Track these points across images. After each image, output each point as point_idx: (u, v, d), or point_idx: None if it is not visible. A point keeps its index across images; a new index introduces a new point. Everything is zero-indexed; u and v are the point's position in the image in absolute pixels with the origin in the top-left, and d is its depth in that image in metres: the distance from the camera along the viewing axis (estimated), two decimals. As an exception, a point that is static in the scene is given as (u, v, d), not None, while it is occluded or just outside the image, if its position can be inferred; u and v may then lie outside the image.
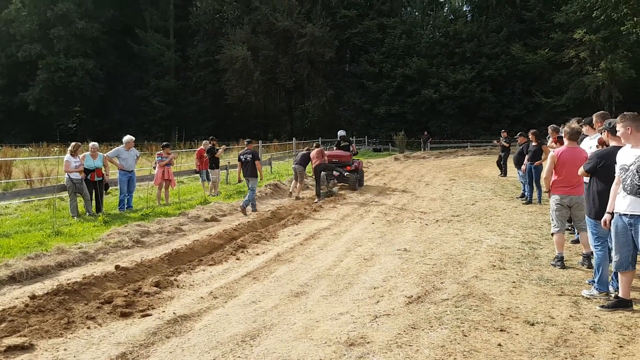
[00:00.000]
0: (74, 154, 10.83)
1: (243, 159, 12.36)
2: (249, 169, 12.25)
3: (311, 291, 5.88)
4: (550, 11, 43.62)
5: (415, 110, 47.10)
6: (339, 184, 15.85)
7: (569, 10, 40.31)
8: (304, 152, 15.33)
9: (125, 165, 12.04)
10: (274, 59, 48.73)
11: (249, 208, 12.11)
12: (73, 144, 11.16)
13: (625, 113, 4.89)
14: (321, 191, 14.47)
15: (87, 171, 10.94)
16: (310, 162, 14.73)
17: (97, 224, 9.93)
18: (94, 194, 11.18)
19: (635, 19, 35.17)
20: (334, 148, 17.30)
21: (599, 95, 38.95)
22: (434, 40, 48.92)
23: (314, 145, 15.21)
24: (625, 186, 4.77)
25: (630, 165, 4.74)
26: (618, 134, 4.94)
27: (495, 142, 21.09)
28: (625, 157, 4.86)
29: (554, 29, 42.54)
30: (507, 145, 19.75)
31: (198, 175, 15.74)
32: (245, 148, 12.80)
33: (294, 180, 15.19)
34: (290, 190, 15.19)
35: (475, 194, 14.42)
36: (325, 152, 15.19)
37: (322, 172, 14.55)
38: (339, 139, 17.72)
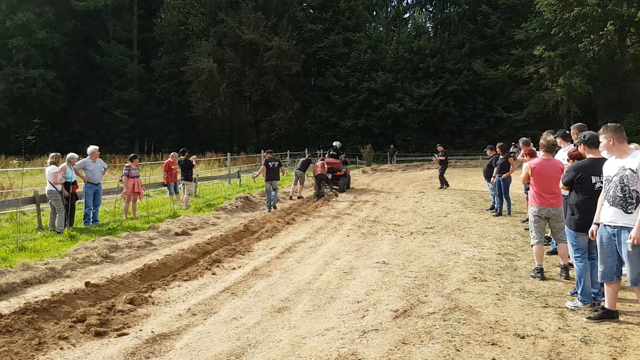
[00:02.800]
0: (57, 165, 10.43)
1: (271, 165, 14.57)
2: (275, 173, 14.53)
3: (293, 306, 5.72)
4: (510, 28, 44.93)
5: (381, 123, 47.63)
6: (332, 187, 18.60)
7: (528, 28, 41.59)
8: (303, 159, 18.97)
9: (92, 177, 11.63)
10: (240, 72, 48.50)
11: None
12: (54, 154, 10.70)
13: (607, 125, 4.94)
14: (319, 193, 17.21)
15: (67, 184, 10.55)
16: (311, 168, 18.17)
17: (62, 239, 9.53)
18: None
19: (592, 36, 36.47)
20: (326, 156, 20.53)
21: (557, 110, 40.12)
22: (399, 55, 49.61)
23: (330, 153, 20.36)
24: (609, 197, 4.81)
25: (613, 177, 4.78)
26: (601, 145, 4.99)
27: (434, 158, 21.68)
28: (609, 168, 4.91)
29: (514, 46, 43.80)
30: (443, 158, 20.13)
31: (165, 188, 15.37)
32: (270, 156, 15.02)
33: (293, 185, 18.06)
34: (291, 193, 17.77)
35: (445, 206, 14.52)
36: (327, 162, 18.45)
37: (322, 180, 17.38)
38: (331, 150, 21.25)
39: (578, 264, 5.46)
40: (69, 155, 11.15)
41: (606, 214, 4.84)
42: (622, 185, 4.68)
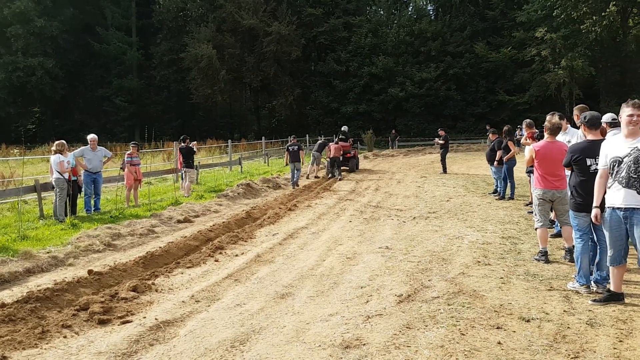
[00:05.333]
0: (62, 153, 10.36)
1: (291, 149, 16.66)
2: (295, 155, 16.50)
3: (297, 292, 5.70)
4: (512, 10, 44.47)
5: (382, 108, 47.37)
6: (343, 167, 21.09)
7: (530, 9, 41.17)
8: (320, 141, 21.12)
9: (90, 165, 11.53)
10: (240, 58, 48.22)
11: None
12: (59, 142, 10.57)
13: (635, 100, 4.71)
14: (332, 172, 19.51)
15: None
16: (326, 150, 20.11)
17: (64, 227, 9.51)
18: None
19: (594, 17, 36.12)
20: (336, 140, 22.22)
21: (560, 92, 39.84)
22: (400, 39, 49.23)
23: (336, 139, 21.92)
24: (620, 179, 4.67)
25: (624, 157, 4.63)
26: (632, 119, 4.65)
27: (436, 141, 21.61)
28: (616, 148, 4.75)
29: (516, 28, 43.37)
30: (442, 142, 20.22)
31: (165, 176, 15.35)
32: (292, 142, 17.42)
33: (310, 165, 20.22)
34: (308, 173, 19.77)
35: (447, 190, 14.47)
36: (341, 146, 20.26)
37: (335, 162, 19.48)
38: (340, 134, 22.64)
39: (577, 245, 5.43)
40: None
41: (617, 196, 4.70)
42: (637, 165, 4.57)
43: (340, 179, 18.89)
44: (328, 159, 19.86)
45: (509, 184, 12.57)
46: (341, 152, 20.06)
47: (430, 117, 47.06)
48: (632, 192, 4.59)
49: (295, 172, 16.53)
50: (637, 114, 4.64)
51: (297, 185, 16.51)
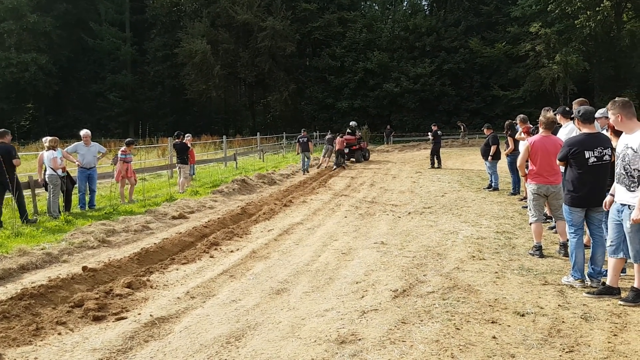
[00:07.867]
0: (54, 149, 10.29)
1: (301, 140, 19.51)
2: (305, 146, 19.29)
3: (292, 288, 5.69)
4: (506, 5, 44.57)
5: (377, 104, 47.41)
6: (350, 159, 24.17)
7: (524, 4, 41.25)
8: (329, 136, 23.33)
9: (83, 161, 11.43)
10: (235, 53, 48.08)
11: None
12: (52, 138, 10.50)
13: (615, 99, 4.77)
14: (338, 162, 21.85)
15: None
16: (333, 144, 22.22)
17: (59, 224, 9.47)
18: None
19: (588, 12, 36.21)
20: (340, 134, 24.06)
21: (554, 87, 39.97)
22: (394, 34, 49.22)
23: (347, 132, 24.88)
24: (616, 174, 4.75)
25: (619, 154, 4.68)
26: (610, 121, 4.88)
27: (429, 135, 21.64)
28: (619, 144, 4.80)
29: (510, 23, 43.50)
30: (432, 138, 20.53)
31: (160, 172, 15.30)
32: (303, 134, 19.91)
33: (322, 157, 22.81)
34: (320, 163, 22.48)
35: (442, 185, 14.49)
36: (345, 139, 22.73)
37: (340, 153, 21.95)
38: (348, 129, 25.51)
39: (572, 240, 5.45)
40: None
41: (614, 189, 4.80)
42: (624, 163, 4.59)
43: (343, 167, 21.69)
44: (335, 152, 22.13)
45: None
46: (344, 144, 22.20)
47: (425, 112, 47.16)
48: (622, 188, 4.63)
49: (306, 160, 19.26)
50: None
51: (308, 172, 19.15)
